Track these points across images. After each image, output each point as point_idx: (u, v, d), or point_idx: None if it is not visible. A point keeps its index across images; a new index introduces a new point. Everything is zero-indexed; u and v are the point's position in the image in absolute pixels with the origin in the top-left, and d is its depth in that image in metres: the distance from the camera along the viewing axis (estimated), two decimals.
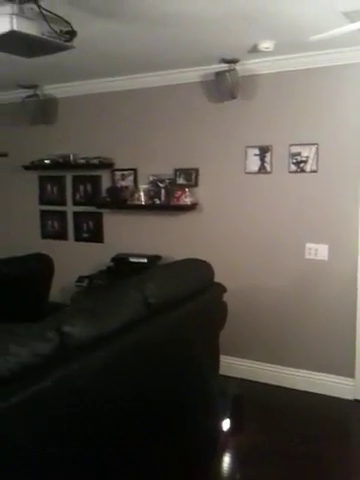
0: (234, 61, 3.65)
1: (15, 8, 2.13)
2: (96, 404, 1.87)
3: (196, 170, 4.08)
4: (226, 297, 3.05)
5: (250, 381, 3.83)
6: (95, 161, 4.41)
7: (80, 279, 4.27)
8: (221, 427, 2.87)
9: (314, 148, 3.62)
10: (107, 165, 4.42)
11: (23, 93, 4.46)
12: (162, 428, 2.38)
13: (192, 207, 4.07)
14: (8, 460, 1.56)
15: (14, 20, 2.12)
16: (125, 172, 4.39)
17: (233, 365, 3.88)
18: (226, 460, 2.85)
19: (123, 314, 2.14)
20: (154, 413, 2.28)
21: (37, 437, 1.64)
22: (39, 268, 3.25)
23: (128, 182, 4.38)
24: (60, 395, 1.69)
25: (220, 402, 2.94)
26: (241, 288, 3.79)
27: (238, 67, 3.67)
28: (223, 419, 2.90)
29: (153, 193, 4.22)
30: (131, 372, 2.10)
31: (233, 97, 3.70)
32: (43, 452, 1.66)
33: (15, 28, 2.12)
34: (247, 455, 2.86)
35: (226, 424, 2.90)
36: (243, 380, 3.78)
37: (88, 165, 4.45)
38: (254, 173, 3.85)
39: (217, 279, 3.01)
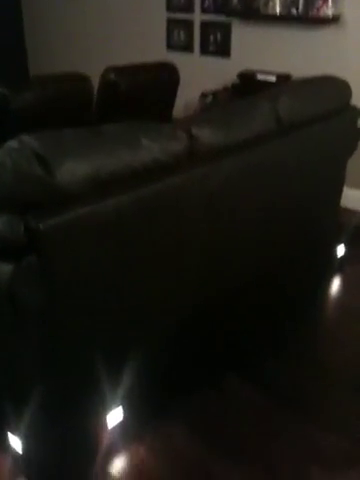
0: None
1: None
2: (221, 212, 1.91)
3: None
4: None
5: None
6: None
7: (203, 95, 4.13)
8: (335, 252, 2.87)
9: None
10: None
11: None
12: (279, 244, 2.43)
13: (334, 20, 3.57)
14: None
15: None
16: None
17: None
18: (337, 283, 2.89)
19: (252, 126, 2.06)
20: (271, 227, 2.31)
21: (156, 234, 1.71)
22: (166, 76, 3.16)
23: None
24: (189, 195, 1.73)
25: (337, 229, 2.91)
26: None
27: None
28: (338, 245, 2.88)
29: (290, 2, 3.74)
30: (255, 186, 2.09)
31: None
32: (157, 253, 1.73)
33: None
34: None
35: (341, 250, 2.89)
36: None
37: None
38: None
39: (355, 102, 2.76)
